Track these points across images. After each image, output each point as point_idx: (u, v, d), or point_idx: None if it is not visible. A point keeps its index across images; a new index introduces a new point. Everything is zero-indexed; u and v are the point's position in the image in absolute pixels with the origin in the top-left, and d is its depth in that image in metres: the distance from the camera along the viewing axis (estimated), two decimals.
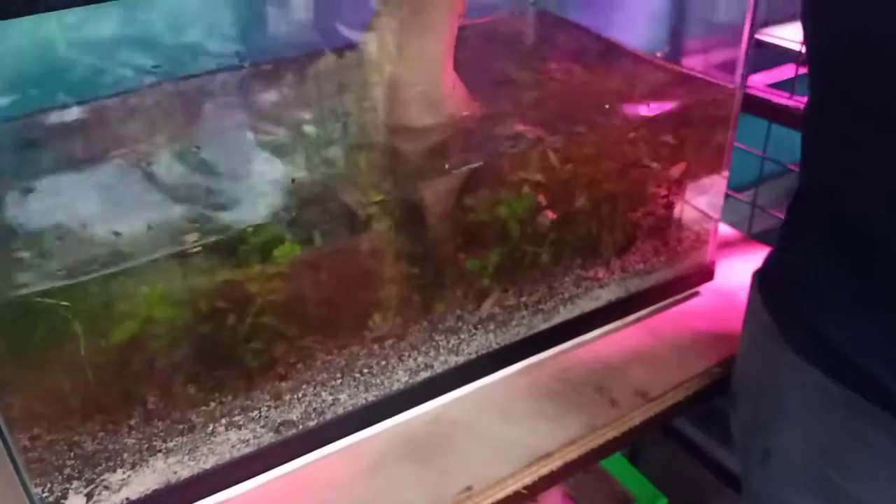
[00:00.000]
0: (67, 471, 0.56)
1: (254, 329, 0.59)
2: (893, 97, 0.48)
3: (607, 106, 0.74)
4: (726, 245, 0.92)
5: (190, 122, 0.72)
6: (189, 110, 0.73)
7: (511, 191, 0.67)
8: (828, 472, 0.58)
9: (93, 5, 0.42)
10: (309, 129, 0.68)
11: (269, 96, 0.74)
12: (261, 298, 0.58)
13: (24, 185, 0.58)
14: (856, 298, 0.54)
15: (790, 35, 1.05)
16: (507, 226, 0.68)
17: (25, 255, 0.51)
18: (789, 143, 1.04)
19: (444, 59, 0.66)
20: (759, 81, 1.06)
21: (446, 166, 0.64)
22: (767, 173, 1.16)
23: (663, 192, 0.77)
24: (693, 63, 0.83)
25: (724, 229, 0.95)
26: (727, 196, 1.16)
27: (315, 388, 0.64)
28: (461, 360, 0.71)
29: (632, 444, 1.60)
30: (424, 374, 0.69)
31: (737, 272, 0.87)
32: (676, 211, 0.79)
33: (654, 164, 0.75)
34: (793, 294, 0.60)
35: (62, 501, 0.56)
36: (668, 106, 0.75)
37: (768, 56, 1.10)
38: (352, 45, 0.66)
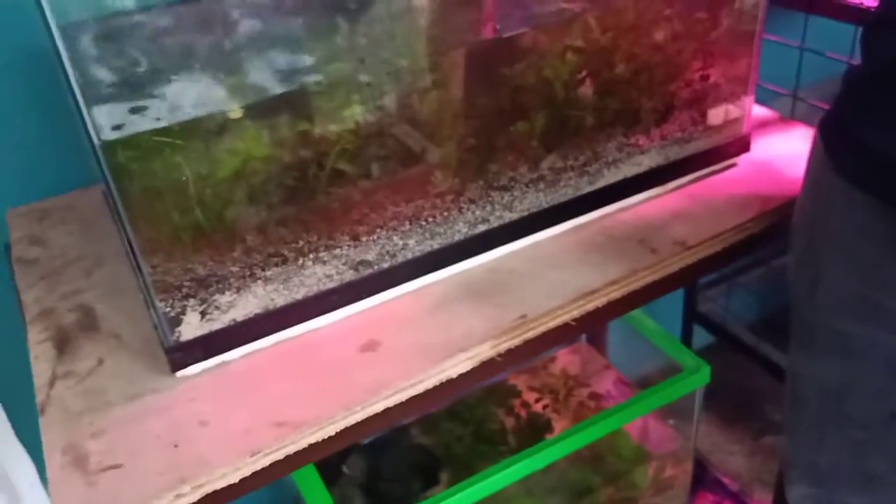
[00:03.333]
0: (185, 290, 0.66)
1: (333, 176, 0.69)
2: None
3: None
4: (765, 124, 0.98)
5: None
6: None
7: (556, 57, 0.75)
8: (870, 292, 0.64)
9: None
10: None
11: None
12: (338, 147, 0.68)
13: None
14: None
15: None
16: (552, 89, 0.75)
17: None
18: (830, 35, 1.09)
19: None
20: None
21: (498, 29, 0.72)
22: (811, 70, 1.20)
23: (699, 64, 0.83)
24: None
25: (765, 112, 1.00)
26: (774, 95, 1.21)
27: (388, 232, 0.74)
28: (514, 216, 0.79)
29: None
30: (482, 227, 0.78)
31: (772, 146, 0.93)
32: (712, 83, 0.85)
33: (691, 40, 0.82)
34: (843, 114, 0.65)
35: (181, 317, 0.67)
36: None
37: None
38: None
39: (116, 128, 0.58)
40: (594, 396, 1.26)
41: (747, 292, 1.59)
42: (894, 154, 0.58)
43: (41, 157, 0.97)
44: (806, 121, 1.19)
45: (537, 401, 1.26)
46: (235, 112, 0.62)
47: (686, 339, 1.68)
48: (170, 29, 0.60)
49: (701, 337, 1.64)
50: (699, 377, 1.03)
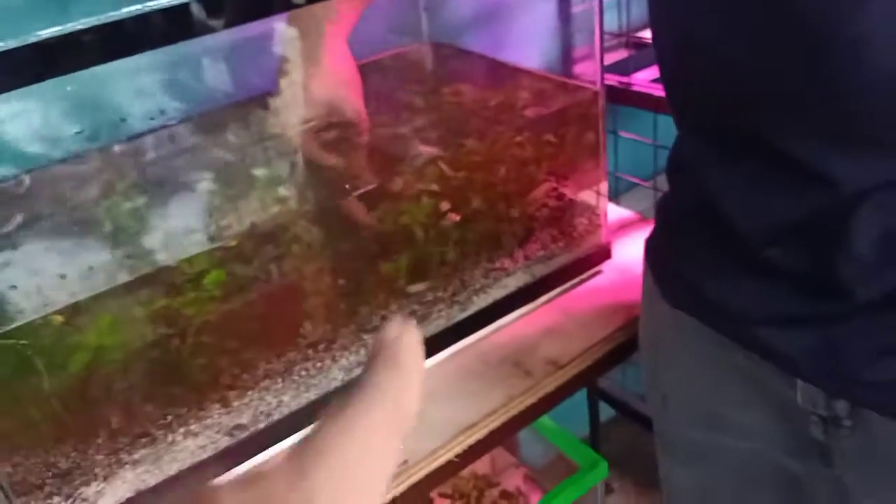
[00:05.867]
0: (48, 488, 0.64)
1: (196, 347, 0.68)
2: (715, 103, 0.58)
3: (492, 117, 0.85)
4: (625, 226, 1.03)
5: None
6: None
7: (412, 201, 0.77)
8: (714, 406, 0.68)
9: None
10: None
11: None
12: (198, 320, 0.67)
13: None
14: (715, 256, 0.63)
15: None
16: (412, 231, 0.78)
17: None
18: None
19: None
20: (644, 78, 1.18)
21: (347, 187, 0.74)
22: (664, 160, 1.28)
23: (552, 184, 0.87)
24: (575, 69, 0.94)
25: (624, 213, 1.06)
26: (635, 185, 1.28)
27: (260, 393, 0.73)
28: None
29: (594, 428, 1.70)
30: (358, 371, 0.78)
31: (636, 249, 0.98)
32: (566, 200, 0.89)
33: (540, 162, 0.86)
34: (668, 252, 0.69)
35: None
36: (545, 110, 0.86)
37: (650, 55, 1.22)
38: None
39: None
40: (505, 496, 1.26)
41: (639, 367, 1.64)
42: (705, 284, 0.62)
43: None
44: None
45: None
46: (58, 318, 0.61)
47: (593, 413, 1.72)
48: None
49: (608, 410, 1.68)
50: (597, 473, 1.05)
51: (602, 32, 0.82)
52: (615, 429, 1.75)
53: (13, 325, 0.58)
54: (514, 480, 1.29)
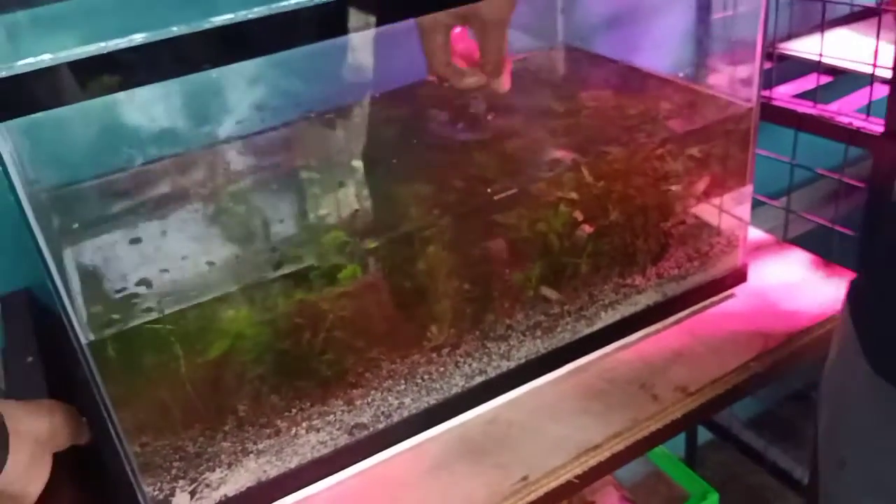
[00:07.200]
0: (174, 471, 0.64)
1: (326, 342, 0.67)
2: None
3: (633, 126, 0.81)
4: (760, 249, 0.97)
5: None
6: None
7: (550, 209, 0.75)
8: None
9: None
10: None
11: None
12: (330, 315, 0.66)
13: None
14: None
15: (811, 47, 1.11)
16: (547, 240, 0.75)
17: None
18: (816, 149, 1.10)
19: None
20: (785, 93, 1.12)
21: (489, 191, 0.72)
22: (799, 180, 1.21)
23: (692, 202, 0.83)
24: (717, 80, 0.89)
25: (759, 234, 1.00)
26: (763, 204, 1.22)
27: (382, 393, 0.72)
28: (512, 364, 0.78)
29: (690, 450, 1.64)
30: (479, 379, 0.76)
31: (770, 274, 0.92)
32: (706, 219, 0.85)
33: (683, 178, 0.82)
34: (880, 310, 0.61)
35: (170, 499, 0.65)
36: (692, 124, 0.82)
37: (792, 68, 1.16)
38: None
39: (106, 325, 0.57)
40: None
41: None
42: None
43: None
44: (796, 229, 1.19)
45: None
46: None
47: (691, 434, 1.66)
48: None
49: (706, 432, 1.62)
50: None
51: (764, 44, 0.77)
52: (712, 452, 1.68)
53: (163, 313, 0.59)
54: (609, 500, 1.25)
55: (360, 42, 0.73)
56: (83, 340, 0.55)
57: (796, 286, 0.90)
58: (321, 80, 0.78)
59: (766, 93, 1.11)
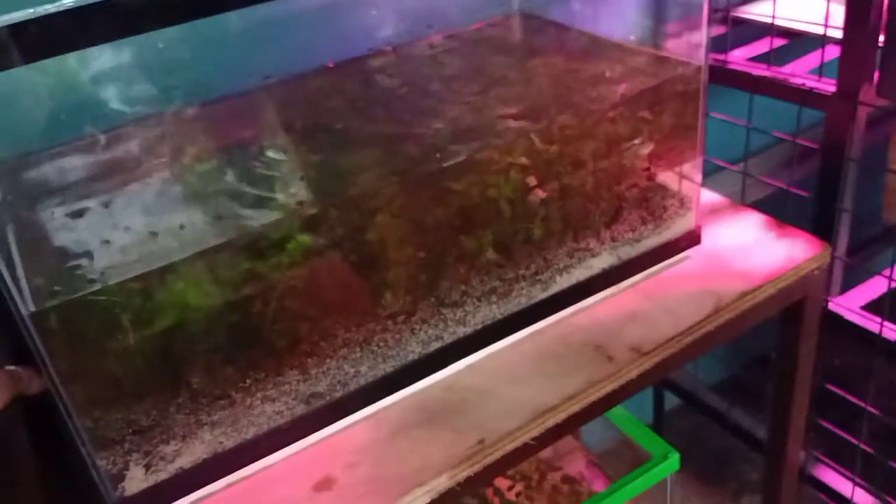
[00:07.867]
0: (127, 445, 0.64)
1: (278, 312, 0.67)
2: None
3: (585, 91, 0.81)
4: (715, 211, 0.98)
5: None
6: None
7: (501, 175, 0.75)
8: None
9: None
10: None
11: None
12: (281, 285, 0.66)
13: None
14: None
15: (765, 11, 1.11)
16: (498, 206, 0.75)
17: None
18: (775, 115, 1.10)
19: None
20: (740, 56, 1.13)
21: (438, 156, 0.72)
22: (758, 146, 1.22)
23: (643, 164, 0.83)
24: (671, 44, 0.89)
25: (715, 197, 1.01)
26: (722, 169, 1.23)
27: (338, 361, 0.72)
28: (468, 330, 0.78)
29: (658, 416, 1.67)
30: (435, 345, 0.77)
31: (724, 236, 0.93)
32: (659, 181, 0.85)
33: (634, 140, 0.82)
34: None
35: (124, 473, 0.64)
36: (641, 86, 0.82)
37: (748, 31, 1.16)
38: None
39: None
40: (567, 480, 1.24)
41: (710, 357, 1.59)
42: None
43: None
44: (756, 194, 1.20)
45: (510, 488, 1.23)
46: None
47: (658, 401, 1.68)
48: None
49: (673, 398, 1.63)
50: (669, 465, 1.02)
51: (710, 5, 0.77)
52: (679, 418, 1.70)
53: (107, 283, 0.58)
54: (576, 465, 1.26)
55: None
56: (24, 312, 0.54)
57: (749, 247, 0.91)
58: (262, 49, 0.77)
59: (721, 56, 1.11)
